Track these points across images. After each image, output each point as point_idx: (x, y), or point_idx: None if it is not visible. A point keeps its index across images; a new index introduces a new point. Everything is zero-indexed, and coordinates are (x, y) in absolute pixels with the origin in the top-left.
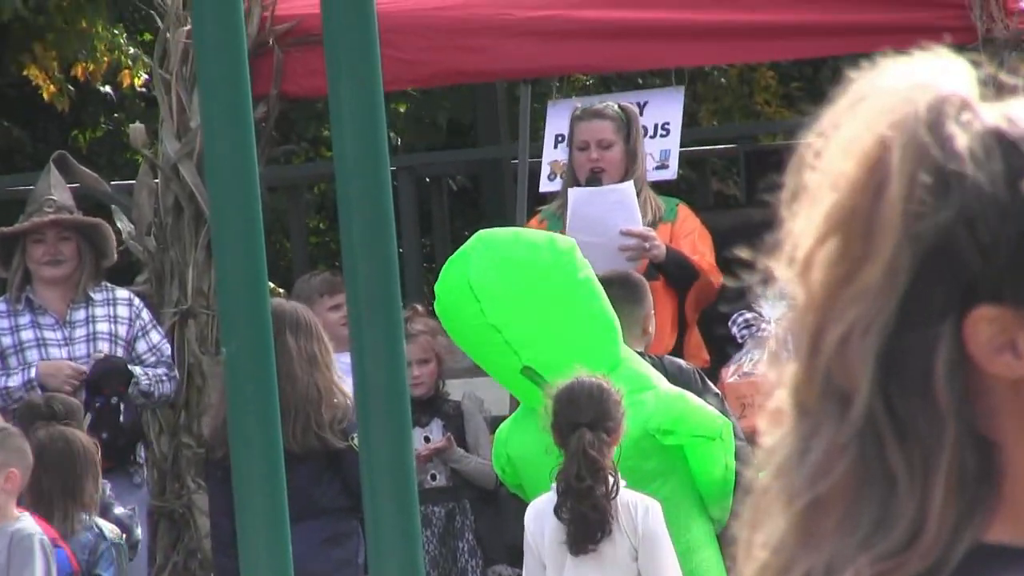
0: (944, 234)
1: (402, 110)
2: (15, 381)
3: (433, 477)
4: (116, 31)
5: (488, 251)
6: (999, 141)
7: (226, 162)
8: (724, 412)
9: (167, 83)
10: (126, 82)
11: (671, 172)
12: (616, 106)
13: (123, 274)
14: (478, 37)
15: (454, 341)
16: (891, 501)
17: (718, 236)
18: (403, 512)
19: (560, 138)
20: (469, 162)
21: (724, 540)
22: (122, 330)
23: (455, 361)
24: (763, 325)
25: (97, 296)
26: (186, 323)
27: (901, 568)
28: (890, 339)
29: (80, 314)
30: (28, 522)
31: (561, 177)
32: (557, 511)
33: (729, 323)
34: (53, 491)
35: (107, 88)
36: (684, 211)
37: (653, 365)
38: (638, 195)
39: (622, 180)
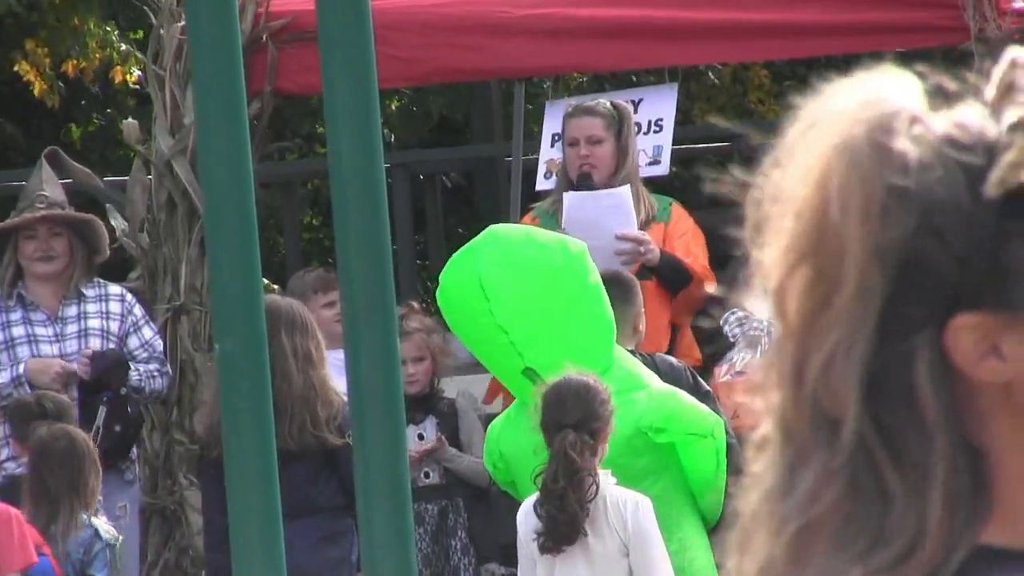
0: (912, 249)
1: (394, 107)
2: (3, 378)
3: (426, 475)
4: (108, 28)
5: (501, 249)
6: (953, 149)
7: (220, 159)
8: (716, 411)
9: (161, 79)
10: (118, 79)
11: (663, 168)
12: (608, 104)
13: (116, 270)
14: (474, 35)
15: (454, 332)
16: (887, 519)
17: (711, 234)
18: (397, 510)
19: (556, 137)
20: (463, 159)
21: (714, 539)
22: (114, 326)
23: (450, 359)
24: (754, 323)
25: (89, 292)
26: (179, 319)
27: None
28: (872, 360)
29: (72, 310)
30: None
31: (557, 175)
32: (536, 509)
33: (720, 321)
34: (59, 489)
35: (96, 87)
36: (678, 210)
37: (644, 363)
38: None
39: (612, 177)
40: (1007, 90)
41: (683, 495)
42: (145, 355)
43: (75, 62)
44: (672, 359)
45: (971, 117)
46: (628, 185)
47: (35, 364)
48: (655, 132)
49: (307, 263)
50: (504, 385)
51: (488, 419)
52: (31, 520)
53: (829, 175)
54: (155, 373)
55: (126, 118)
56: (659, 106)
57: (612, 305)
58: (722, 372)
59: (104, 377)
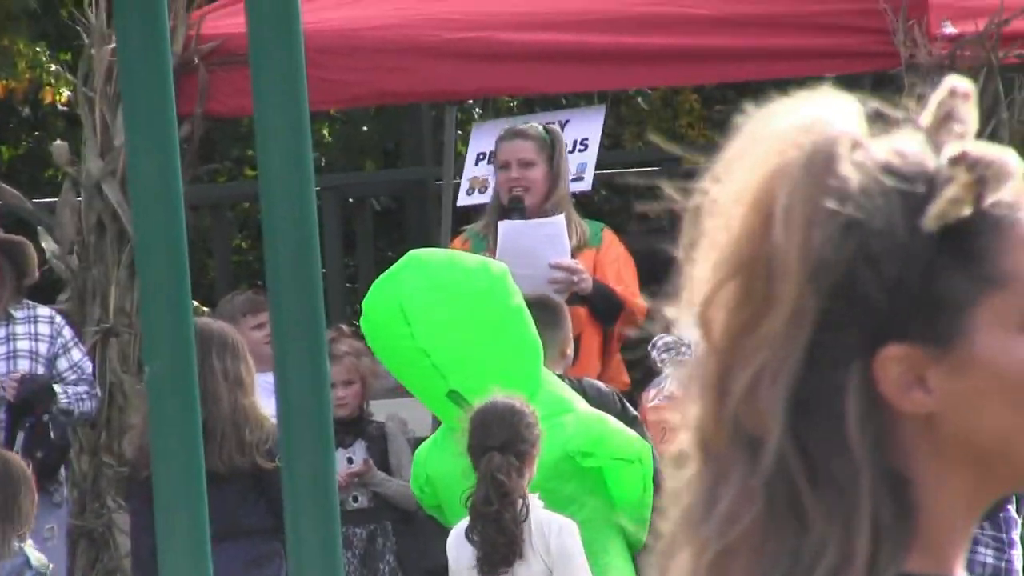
0: (847, 275)
1: (326, 131)
2: None
3: (355, 499)
4: (39, 48)
5: (421, 274)
6: (893, 179)
7: (150, 181)
8: (643, 436)
9: (91, 101)
10: (48, 99)
11: (586, 184)
12: (540, 127)
13: (46, 292)
14: (404, 58)
15: (378, 359)
16: (805, 545)
17: (641, 259)
18: (325, 533)
19: (482, 156)
20: (393, 183)
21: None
22: (43, 348)
23: (379, 382)
24: (683, 348)
25: (18, 314)
26: (108, 342)
27: None
28: (800, 383)
29: (0, 332)
30: None
31: (480, 192)
32: (468, 535)
33: (649, 347)
34: None
35: (26, 109)
36: (609, 236)
37: (572, 387)
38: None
39: (544, 201)
40: (944, 119)
41: (610, 521)
42: (74, 377)
43: (4, 83)
44: (600, 384)
45: (910, 146)
46: (563, 214)
47: None
48: (580, 151)
49: (237, 285)
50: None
51: (417, 443)
52: None
53: (768, 195)
54: (84, 395)
55: (55, 140)
56: (586, 126)
57: (539, 329)
58: (650, 397)
59: (30, 400)
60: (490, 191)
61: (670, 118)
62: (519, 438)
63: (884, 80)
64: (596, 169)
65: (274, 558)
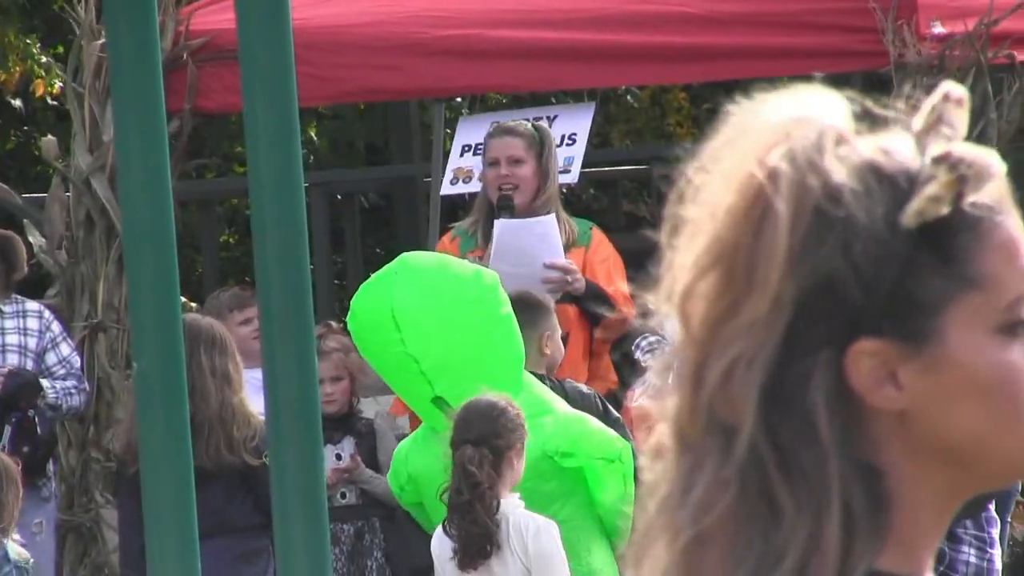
0: (826, 268)
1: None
2: None
3: (343, 495)
4: (29, 40)
5: (414, 280)
6: (877, 175)
7: (139, 176)
8: (625, 437)
9: (80, 96)
10: (39, 91)
11: (573, 176)
12: (530, 125)
13: (35, 287)
14: (392, 55)
15: (364, 358)
16: (776, 534)
17: (628, 257)
18: (313, 530)
19: (467, 148)
20: (381, 180)
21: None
22: (32, 342)
23: (368, 379)
24: (667, 348)
25: (7, 308)
26: (96, 337)
27: None
28: (774, 373)
29: None
30: None
31: (464, 182)
32: (445, 527)
33: (632, 347)
34: None
35: (17, 101)
36: (598, 235)
37: (553, 389)
38: (548, 215)
39: (534, 199)
40: (935, 122)
41: (591, 520)
42: (63, 371)
43: None
44: (582, 386)
45: (896, 145)
46: (554, 214)
47: None
48: (568, 145)
49: (225, 281)
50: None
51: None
52: None
53: (753, 185)
54: (72, 390)
55: (44, 135)
56: (574, 121)
57: (530, 322)
58: (635, 396)
59: (16, 395)
60: (474, 181)
61: (658, 116)
62: (494, 434)
63: (873, 79)
64: (584, 167)
65: (262, 555)
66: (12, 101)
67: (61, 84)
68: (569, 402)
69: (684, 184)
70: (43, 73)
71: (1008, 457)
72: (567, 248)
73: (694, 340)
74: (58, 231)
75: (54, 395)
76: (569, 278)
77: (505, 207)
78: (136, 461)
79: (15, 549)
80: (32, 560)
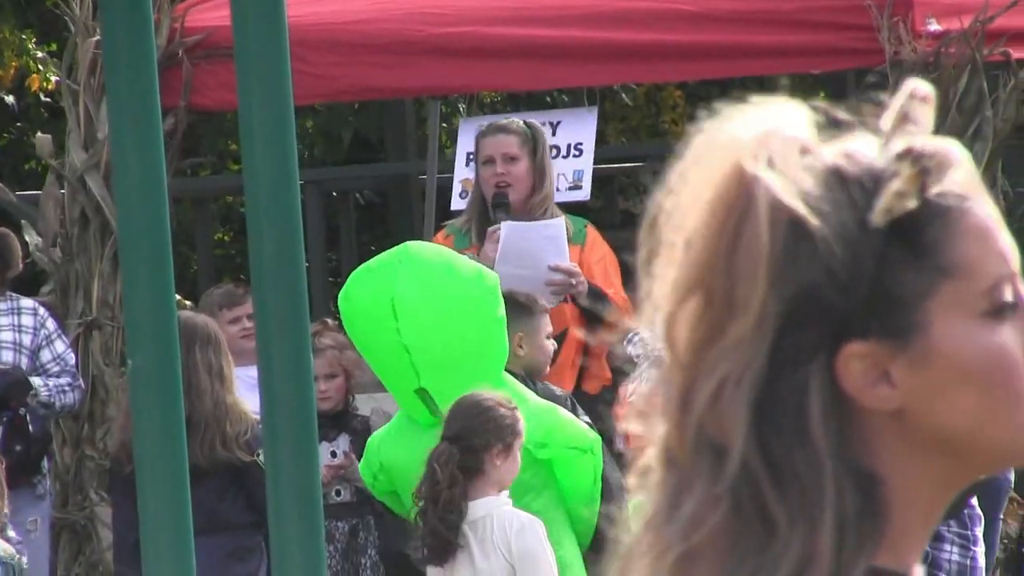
0: (803, 278)
1: (308, 125)
2: None
3: (337, 492)
4: (24, 36)
5: (418, 271)
6: (842, 180)
7: (134, 174)
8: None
9: (75, 94)
10: (34, 87)
11: (584, 193)
12: (521, 122)
13: (29, 285)
14: (388, 53)
15: (351, 339)
16: (770, 547)
17: (624, 255)
18: (308, 527)
19: (471, 156)
20: (377, 177)
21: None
22: (26, 339)
23: (363, 376)
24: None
25: (2, 305)
26: (91, 335)
27: None
28: (763, 389)
29: None
30: None
31: (471, 194)
32: (416, 520)
33: (624, 343)
34: None
35: (10, 98)
36: (592, 233)
37: (526, 386)
38: (545, 214)
39: (530, 196)
40: (901, 120)
41: (564, 513)
42: (57, 369)
43: None
44: (555, 388)
45: (860, 147)
46: (563, 217)
47: None
48: (575, 156)
49: (219, 279)
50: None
51: None
52: None
53: (723, 205)
54: (66, 388)
55: (37, 132)
56: (578, 129)
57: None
58: (630, 392)
59: (6, 394)
60: None
61: (654, 114)
62: (471, 432)
63: (867, 77)
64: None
65: (255, 552)
66: (5, 98)
67: (56, 79)
68: None
69: (655, 209)
70: (38, 69)
71: (1004, 442)
72: None
73: (680, 364)
74: (52, 228)
75: (47, 393)
76: (573, 280)
77: (501, 205)
78: (130, 460)
79: (2, 547)
80: (18, 556)
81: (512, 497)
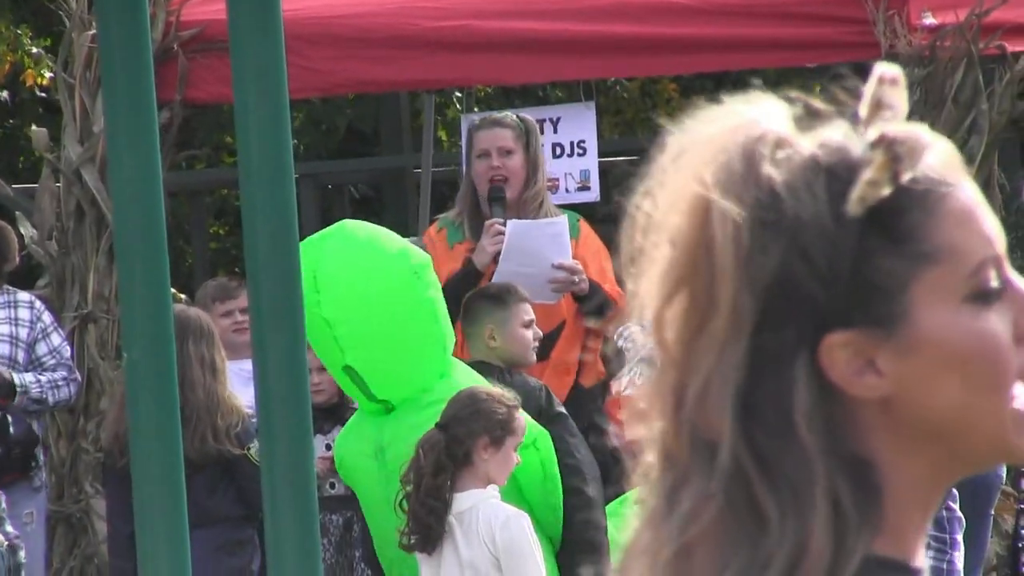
0: (780, 272)
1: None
2: None
3: (332, 485)
4: (20, 31)
5: (343, 246)
6: (817, 170)
7: (129, 167)
8: (566, 432)
9: (71, 87)
10: (29, 82)
11: (594, 194)
12: (514, 116)
13: (25, 278)
14: (383, 47)
15: None
16: (762, 541)
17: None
18: (303, 520)
19: None
20: (371, 171)
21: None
22: (22, 332)
23: None
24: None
25: None
26: (86, 328)
27: None
28: (747, 383)
29: None
30: None
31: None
32: (400, 505)
33: (615, 337)
34: None
35: (4, 93)
36: (585, 228)
37: (499, 378)
38: (539, 208)
39: (524, 190)
40: (876, 107)
41: (525, 506)
42: (53, 362)
43: None
44: (531, 379)
45: (837, 136)
46: (566, 216)
47: None
48: (579, 155)
49: (214, 272)
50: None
51: None
52: None
53: (699, 203)
54: (60, 382)
55: (32, 126)
56: (579, 126)
57: (474, 315)
58: (623, 386)
59: None
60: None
61: (648, 108)
62: (459, 421)
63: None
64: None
65: (246, 545)
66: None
67: (51, 75)
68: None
69: (634, 210)
70: (33, 64)
71: (991, 429)
72: None
73: (672, 363)
74: (48, 222)
75: (38, 389)
76: (576, 278)
77: (497, 198)
78: (123, 453)
79: None
80: (6, 543)
81: None
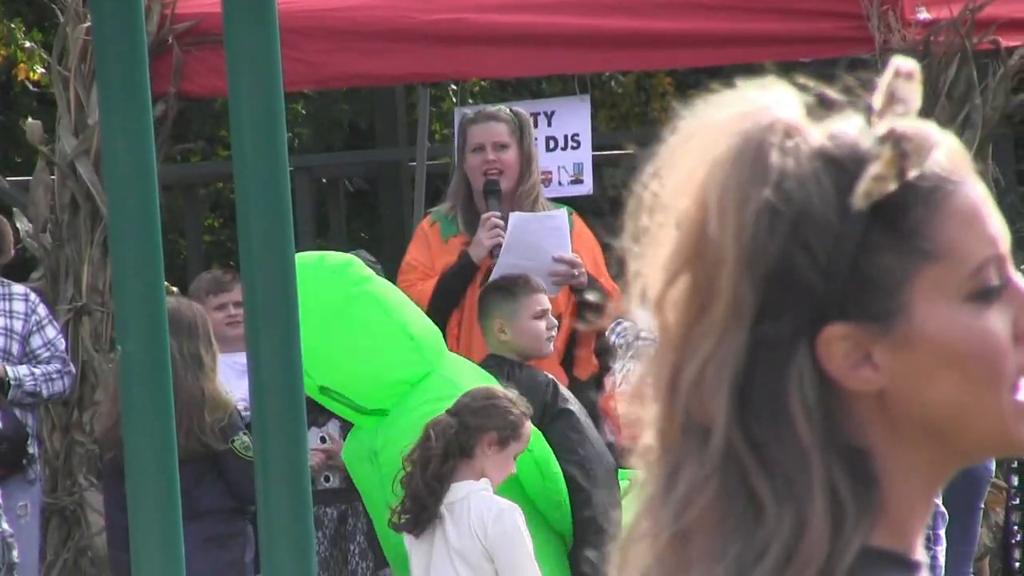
0: (782, 262)
1: (300, 107)
2: None
3: (326, 478)
4: (13, 25)
5: None
6: (824, 161)
7: (124, 160)
8: (571, 428)
9: (65, 80)
10: (22, 76)
11: (586, 187)
12: (508, 110)
13: (19, 270)
14: (378, 40)
15: None
16: (758, 528)
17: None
18: (296, 513)
19: None
20: (367, 164)
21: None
22: (18, 325)
23: None
24: (642, 334)
25: None
26: (80, 320)
27: None
28: (744, 371)
29: None
30: None
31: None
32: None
33: (607, 332)
34: None
35: None
36: (579, 222)
37: (508, 372)
38: (535, 202)
39: (518, 184)
40: (889, 101)
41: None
42: (47, 355)
43: None
44: (540, 375)
45: (846, 128)
46: (565, 208)
47: None
48: (573, 148)
49: (209, 266)
50: None
51: None
52: None
53: (706, 187)
54: (54, 375)
55: (26, 118)
56: (573, 120)
57: (483, 311)
58: (618, 383)
59: None
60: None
61: (643, 102)
62: (471, 412)
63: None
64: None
65: (237, 539)
66: None
67: (43, 69)
68: (518, 387)
69: (641, 191)
70: (25, 58)
71: (986, 427)
72: None
73: (672, 345)
74: (43, 214)
75: (32, 382)
76: (576, 271)
77: (493, 192)
78: (114, 446)
79: None
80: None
81: None
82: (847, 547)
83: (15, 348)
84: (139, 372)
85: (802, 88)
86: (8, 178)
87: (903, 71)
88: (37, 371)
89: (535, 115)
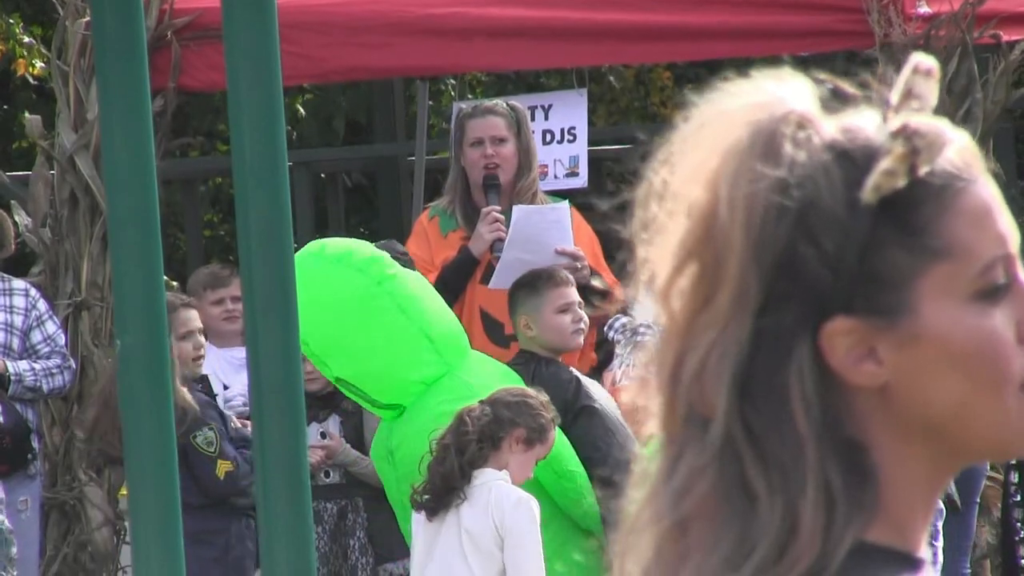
0: (789, 253)
1: (299, 106)
2: None
3: (327, 474)
4: (12, 20)
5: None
6: (836, 154)
7: (123, 155)
8: (589, 427)
9: (65, 75)
10: (20, 71)
11: (581, 180)
12: (504, 104)
13: (19, 265)
14: (376, 34)
15: None
16: (752, 519)
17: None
18: (296, 508)
19: None
20: (365, 159)
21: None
22: (18, 320)
23: None
24: (640, 329)
25: None
26: (80, 315)
27: None
28: (746, 362)
29: None
30: None
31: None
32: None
33: (605, 328)
34: None
35: None
36: (577, 215)
37: (535, 369)
38: (534, 196)
39: (517, 177)
40: (905, 96)
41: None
42: (47, 350)
43: None
44: (565, 372)
45: (860, 122)
46: (567, 201)
47: None
48: (569, 142)
49: (208, 260)
50: None
51: None
52: None
53: (716, 176)
54: (54, 370)
55: (25, 113)
56: (570, 113)
57: (511, 308)
58: (618, 378)
59: None
60: None
61: (643, 96)
62: (504, 405)
63: (858, 60)
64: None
65: (217, 536)
66: None
67: (42, 64)
68: (539, 382)
69: (651, 179)
70: (24, 53)
71: (990, 427)
72: None
73: (676, 334)
74: (42, 209)
75: (32, 377)
76: (578, 264)
77: (492, 186)
78: (100, 439)
79: None
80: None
81: None
82: (840, 541)
83: (15, 343)
84: (138, 366)
85: (816, 81)
86: (7, 173)
87: (922, 68)
88: (37, 366)
89: (532, 108)
